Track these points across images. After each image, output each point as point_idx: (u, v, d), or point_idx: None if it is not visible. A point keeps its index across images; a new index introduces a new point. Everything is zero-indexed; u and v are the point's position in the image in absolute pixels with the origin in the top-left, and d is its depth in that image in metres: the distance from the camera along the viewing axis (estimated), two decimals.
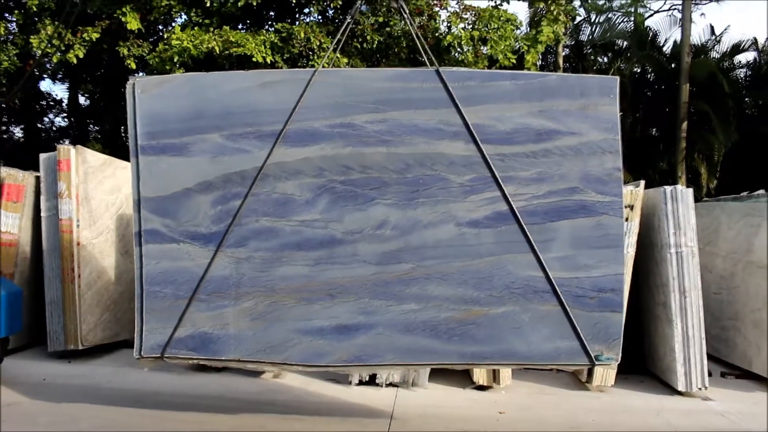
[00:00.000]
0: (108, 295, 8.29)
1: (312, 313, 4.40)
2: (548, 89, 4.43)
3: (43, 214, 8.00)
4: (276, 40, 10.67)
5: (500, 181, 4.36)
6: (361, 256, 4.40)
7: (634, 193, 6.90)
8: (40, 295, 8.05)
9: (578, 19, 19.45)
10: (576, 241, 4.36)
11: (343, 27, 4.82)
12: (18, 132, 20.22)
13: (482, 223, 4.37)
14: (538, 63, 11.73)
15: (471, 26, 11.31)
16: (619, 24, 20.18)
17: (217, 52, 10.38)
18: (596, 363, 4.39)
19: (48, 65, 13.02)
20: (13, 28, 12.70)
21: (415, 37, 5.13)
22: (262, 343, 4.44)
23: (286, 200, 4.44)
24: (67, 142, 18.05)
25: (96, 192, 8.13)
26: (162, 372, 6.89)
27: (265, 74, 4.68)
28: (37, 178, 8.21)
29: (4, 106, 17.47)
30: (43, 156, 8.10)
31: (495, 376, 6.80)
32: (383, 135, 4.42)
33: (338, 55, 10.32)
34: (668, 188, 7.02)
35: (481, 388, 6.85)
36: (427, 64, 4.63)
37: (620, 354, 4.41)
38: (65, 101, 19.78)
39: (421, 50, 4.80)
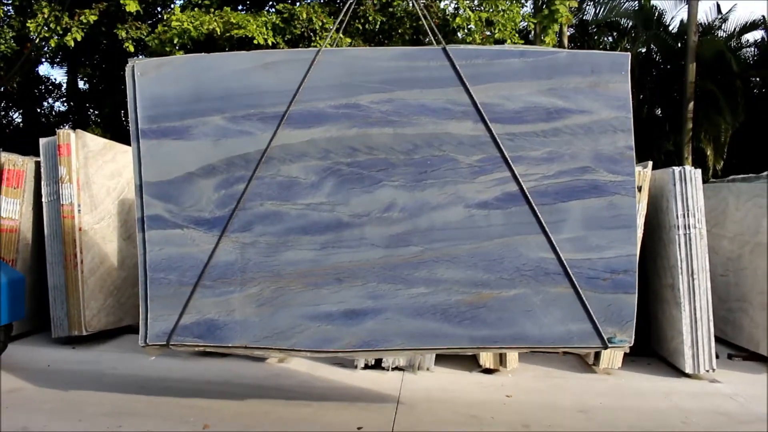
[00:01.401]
0: (111, 281, 8.23)
1: (319, 298, 4.35)
2: (558, 66, 4.34)
3: (44, 199, 7.91)
4: (277, 21, 10.52)
5: (510, 161, 4.29)
6: (369, 240, 4.33)
7: (642, 174, 6.79)
8: (43, 281, 7.99)
9: None
10: (588, 221, 4.29)
11: (347, 5, 4.71)
12: (18, 117, 20.15)
13: (492, 204, 4.30)
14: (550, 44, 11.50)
15: (478, 8, 11.13)
16: (624, 3, 19.95)
17: (218, 33, 10.24)
18: (609, 345, 4.32)
19: (46, 49, 12.83)
20: (9, 11, 12.54)
21: (420, 14, 5.05)
22: (269, 329, 4.39)
23: (291, 183, 4.37)
24: (67, 126, 17.98)
25: (97, 177, 8.04)
26: (167, 357, 6.83)
27: (266, 54, 4.58)
28: (37, 163, 8.12)
29: (2, 90, 17.37)
30: (43, 141, 8.00)
31: (502, 359, 6.73)
32: (390, 115, 4.34)
33: (341, 35, 10.18)
34: (677, 169, 6.92)
35: (488, 371, 6.79)
36: (434, 42, 4.52)
37: (633, 336, 4.34)
38: (64, 85, 19.68)
39: (428, 29, 4.70)
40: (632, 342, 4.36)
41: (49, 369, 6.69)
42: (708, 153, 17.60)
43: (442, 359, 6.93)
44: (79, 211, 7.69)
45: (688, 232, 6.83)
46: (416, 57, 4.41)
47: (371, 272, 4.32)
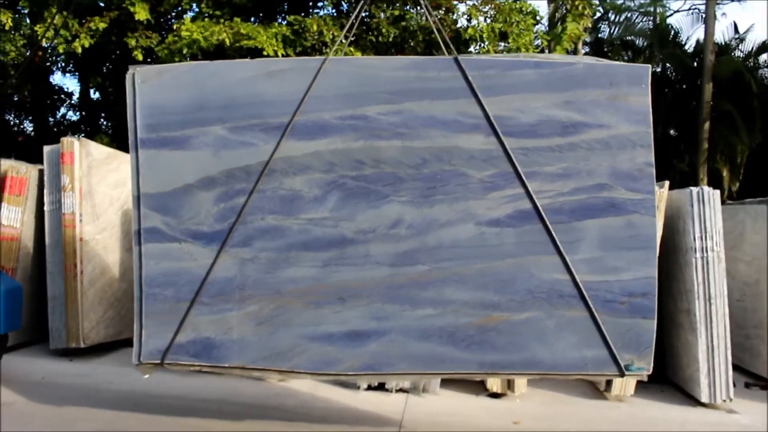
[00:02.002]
0: (111, 292, 8.08)
1: (321, 317, 4.17)
2: (574, 78, 4.17)
3: (46, 207, 7.81)
4: (288, 33, 10.41)
5: (523, 177, 4.11)
6: (374, 257, 4.16)
7: (659, 194, 6.55)
8: (43, 291, 7.85)
9: (596, 16, 19.09)
10: (604, 241, 4.10)
11: (357, 9, 4.55)
12: (30, 126, 20.14)
13: (504, 222, 4.12)
14: None
15: (491, 19, 10.98)
16: (639, 23, 19.81)
17: (228, 44, 10.13)
18: (626, 373, 4.12)
19: (56, 57, 12.80)
20: (23, 18, 12.52)
21: (431, 21, 4.90)
22: (268, 349, 4.21)
23: (293, 197, 4.21)
24: (80, 136, 17.91)
25: (100, 186, 7.91)
26: (164, 373, 6.62)
27: (271, 63, 4.46)
28: (41, 171, 8.01)
29: (15, 98, 17.37)
30: (47, 148, 7.90)
31: (509, 383, 6.52)
32: (398, 127, 4.18)
33: (351, 49, 10.06)
34: (695, 189, 6.69)
35: (495, 395, 6.57)
36: (446, 53, 4.35)
37: (652, 364, 4.14)
38: (76, 95, 19.69)
39: (439, 38, 4.52)
40: (650, 370, 4.16)
41: (44, 382, 6.53)
42: (724, 174, 17.32)
43: (447, 382, 6.70)
44: (80, 220, 7.58)
45: (705, 255, 6.59)
46: (426, 67, 4.25)
47: (376, 292, 4.14)
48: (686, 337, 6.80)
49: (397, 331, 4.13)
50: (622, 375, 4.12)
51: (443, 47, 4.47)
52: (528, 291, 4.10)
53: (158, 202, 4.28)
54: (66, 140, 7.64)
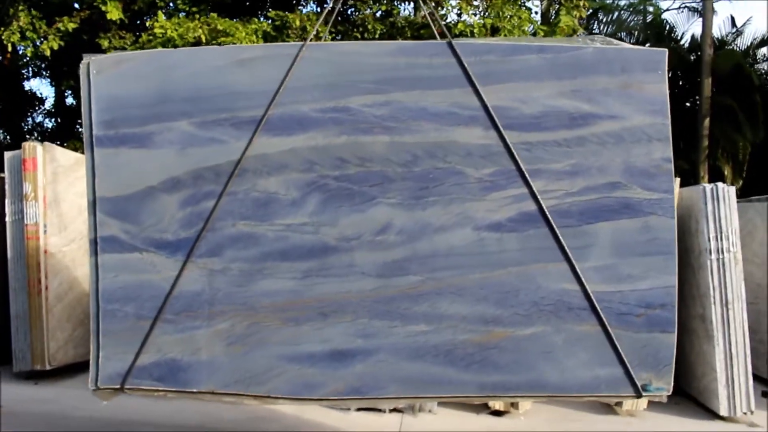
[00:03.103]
0: (81, 309, 7.65)
1: (300, 336, 3.84)
2: (582, 64, 3.84)
3: (7, 218, 7.40)
4: (269, 29, 10.07)
5: (527, 175, 3.80)
6: (360, 267, 3.83)
7: None
8: (6, 309, 7.42)
9: (590, 11, 18.89)
10: (618, 247, 3.79)
11: None
12: (2, 134, 19.68)
13: (505, 225, 3.81)
14: None
15: (483, 14, 10.70)
16: (631, 22, 19.67)
17: (204, 41, 9.75)
18: (644, 394, 3.79)
19: (25, 59, 12.40)
20: None
21: (425, 10, 4.56)
22: (241, 372, 3.87)
23: (268, 200, 3.88)
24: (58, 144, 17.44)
25: (67, 194, 7.51)
26: (131, 397, 6.24)
27: (242, 50, 4.17)
28: (1, 179, 7.59)
29: None
30: (8, 154, 7.51)
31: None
32: (385, 120, 3.86)
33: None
34: (708, 186, 6.38)
35: (498, 413, 6.23)
36: (437, 37, 4.03)
37: (672, 383, 3.81)
38: (51, 100, 19.24)
39: (430, 21, 4.18)
40: (671, 390, 3.83)
41: (3, 410, 6.08)
42: (725, 172, 17.09)
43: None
44: (45, 231, 7.19)
45: (721, 256, 6.28)
46: (417, 53, 3.91)
47: (362, 306, 3.81)
48: (701, 345, 6.49)
49: (387, 350, 3.81)
50: (639, 396, 3.81)
51: (435, 31, 4.13)
52: (533, 303, 3.79)
53: (116, 207, 3.96)
54: (28, 145, 7.25)
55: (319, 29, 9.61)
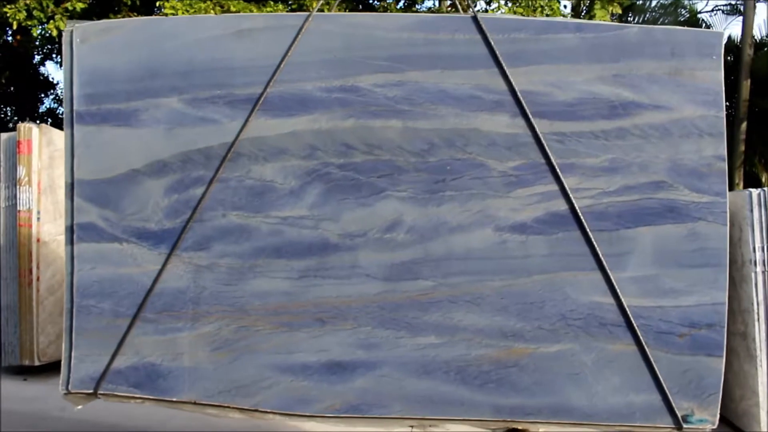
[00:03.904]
0: None
1: (294, 343, 3.55)
2: (626, 46, 3.53)
3: (1, 204, 7.10)
4: (285, 12, 9.77)
5: (558, 170, 3.48)
6: (364, 269, 3.54)
7: None
8: None
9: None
10: (660, 255, 3.48)
11: None
12: (16, 118, 19.63)
13: (531, 227, 3.50)
14: None
15: (512, 2, 10.37)
16: (664, 18, 19.27)
17: None
18: (684, 426, 3.44)
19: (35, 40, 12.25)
20: None
21: None
22: (227, 381, 3.59)
23: (264, 189, 3.60)
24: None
25: (63, 180, 7.19)
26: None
27: (241, 19, 3.87)
28: None
29: None
30: (3, 136, 7.23)
31: None
32: (398, 103, 3.57)
33: None
34: (755, 191, 5.93)
35: (515, 431, 5.81)
36: (460, 10, 3.71)
37: (717, 414, 3.47)
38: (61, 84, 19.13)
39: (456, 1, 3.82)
40: (716, 422, 3.48)
41: None
42: (763, 179, 16.61)
43: None
44: (38, 219, 6.89)
45: (767, 269, 5.83)
46: (437, 28, 3.60)
47: (365, 312, 3.52)
48: (740, 364, 6.06)
49: (391, 363, 3.52)
50: (680, 428, 3.46)
51: (459, 7, 3.78)
52: (561, 317, 3.48)
53: (96, 192, 3.72)
54: (23, 127, 6.96)
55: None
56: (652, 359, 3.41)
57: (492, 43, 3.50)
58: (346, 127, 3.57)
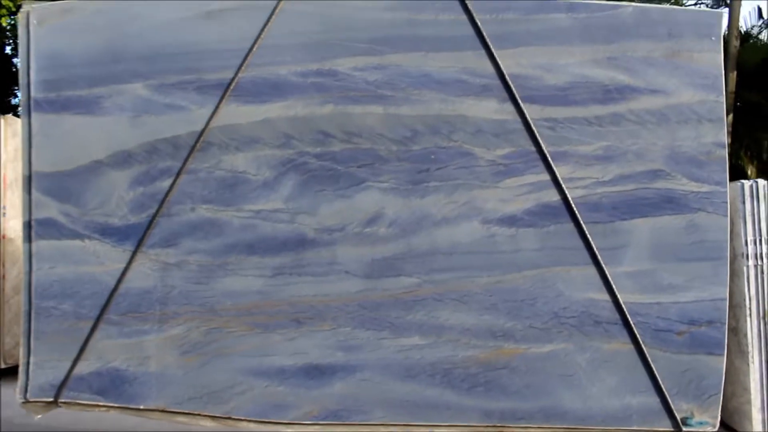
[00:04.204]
0: None
1: (269, 346, 3.40)
2: (620, 27, 3.42)
3: None
4: None
5: (549, 158, 3.35)
6: (343, 265, 3.40)
7: None
8: None
9: None
10: (658, 249, 3.36)
11: None
12: None
13: (522, 219, 3.37)
14: None
15: None
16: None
17: None
18: (684, 429, 3.34)
19: (6, 32, 11.99)
20: None
21: None
22: (197, 387, 3.44)
23: (235, 181, 3.45)
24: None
25: None
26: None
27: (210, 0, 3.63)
28: None
29: None
30: None
31: None
32: (379, 88, 3.43)
33: None
34: (747, 183, 5.78)
35: None
36: None
37: (719, 416, 3.37)
38: None
39: None
40: (717, 425, 3.38)
41: None
42: (749, 172, 16.58)
43: None
44: (3, 214, 6.70)
45: (759, 262, 5.70)
46: (420, 7, 3.46)
47: (344, 312, 3.38)
48: (732, 361, 5.94)
49: (373, 366, 3.38)
50: (679, 431, 3.34)
51: None
52: (553, 315, 3.35)
53: (56, 185, 3.56)
54: None
55: None
56: (649, 359, 3.30)
57: (479, 23, 3.39)
58: (324, 113, 3.44)
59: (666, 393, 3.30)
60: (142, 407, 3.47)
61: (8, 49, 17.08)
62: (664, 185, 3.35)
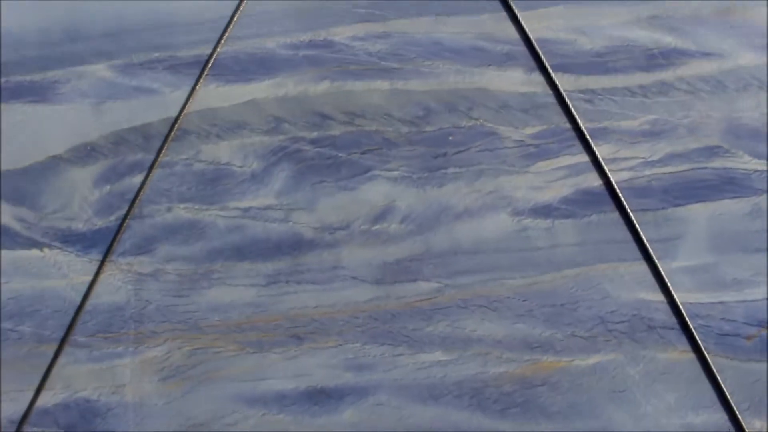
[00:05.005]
0: None
1: (265, 367, 3.08)
2: None
3: None
4: None
5: (588, 137, 3.08)
6: (349, 270, 3.09)
7: None
8: None
9: None
10: (718, 239, 3.07)
11: None
12: None
13: (558, 209, 3.08)
14: None
15: None
16: None
17: None
18: None
19: None
20: None
21: None
22: (181, 418, 3.09)
23: (218, 174, 3.17)
24: None
25: None
26: None
27: None
28: None
29: None
30: None
31: None
32: (384, 60, 3.17)
33: None
34: None
35: None
36: None
37: None
38: None
39: None
40: None
41: None
42: None
43: None
44: None
45: None
46: None
47: (352, 325, 3.07)
48: None
49: (388, 388, 3.05)
50: None
51: None
52: (599, 320, 3.04)
53: (7, 186, 3.27)
54: None
55: None
56: (714, 369, 2.99)
57: None
58: (319, 92, 3.16)
59: (735, 408, 2.97)
60: None
61: None
62: (723, 164, 3.08)
